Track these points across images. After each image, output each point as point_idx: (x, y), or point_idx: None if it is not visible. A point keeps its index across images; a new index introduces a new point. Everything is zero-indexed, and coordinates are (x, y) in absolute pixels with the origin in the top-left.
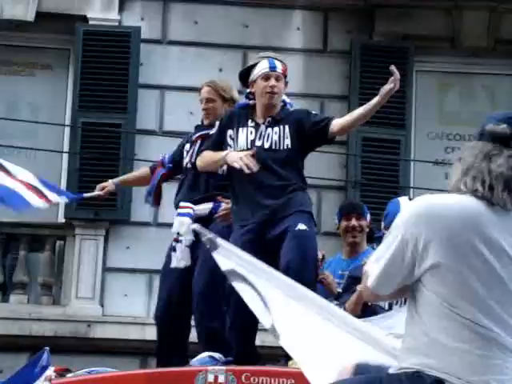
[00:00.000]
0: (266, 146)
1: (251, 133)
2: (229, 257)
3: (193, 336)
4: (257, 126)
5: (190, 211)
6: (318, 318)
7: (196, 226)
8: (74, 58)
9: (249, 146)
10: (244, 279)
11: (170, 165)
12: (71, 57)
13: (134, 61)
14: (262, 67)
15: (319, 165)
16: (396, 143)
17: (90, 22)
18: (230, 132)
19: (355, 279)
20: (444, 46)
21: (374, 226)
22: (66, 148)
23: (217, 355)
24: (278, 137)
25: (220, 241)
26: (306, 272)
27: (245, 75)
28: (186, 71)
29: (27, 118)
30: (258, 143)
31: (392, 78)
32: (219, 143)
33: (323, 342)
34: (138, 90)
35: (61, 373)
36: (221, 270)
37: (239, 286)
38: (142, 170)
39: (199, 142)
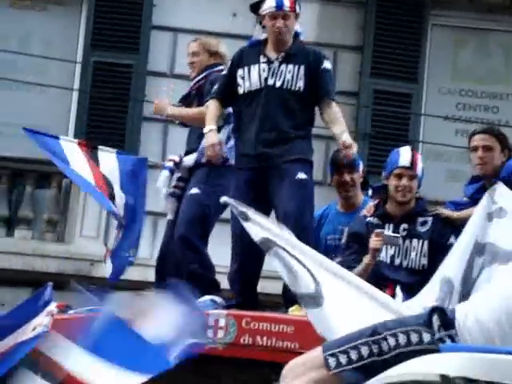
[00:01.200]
0: (278, 84)
1: (264, 70)
2: (261, 227)
3: None
4: (269, 62)
5: (170, 164)
6: (352, 292)
7: (226, 199)
8: None
9: (262, 85)
10: (279, 246)
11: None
12: None
13: (147, 2)
14: (269, 5)
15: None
16: (407, 96)
17: None
18: (240, 72)
19: (356, 236)
20: (461, 1)
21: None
22: (76, 85)
23: (218, 299)
24: (292, 76)
25: (252, 214)
26: (304, 221)
27: (257, 6)
28: (199, 14)
29: (39, 54)
30: (271, 81)
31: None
32: (228, 85)
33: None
34: (151, 31)
35: (62, 309)
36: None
37: (275, 252)
38: (202, 108)
39: (194, 92)
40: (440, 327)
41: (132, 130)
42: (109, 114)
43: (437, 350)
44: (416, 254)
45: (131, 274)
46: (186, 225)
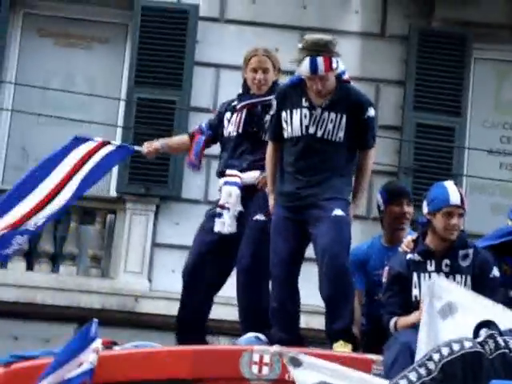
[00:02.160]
0: (319, 134)
1: (305, 116)
2: (317, 370)
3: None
4: (312, 108)
5: (238, 180)
6: None
7: (276, 349)
8: (132, 33)
9: (303, 133)
10: None
11: (210, 132)
12: (129, 32)
13: (190, 38)
14: (305, 68)
15: None
16: (451, 130)
17: None
18: (283, 114)
19: (397, 277)
20: (504, 34)
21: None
22: (120, 122)
23: (262, 336)
24: (333, 126)
25: (303, 357)
26: (340, 257)
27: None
28: (242, 50)
29: (83, 91)
30: (311, 130)
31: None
32: (275, 131)
33: None
34: (194, 67)
35: (108, 345)
36: (265, 246)
37: None
38: (181, 136)
39: (245, 111)
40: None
41: (176, 166)
42: None
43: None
44: None
45: (175, 309)
46: (257, 254)
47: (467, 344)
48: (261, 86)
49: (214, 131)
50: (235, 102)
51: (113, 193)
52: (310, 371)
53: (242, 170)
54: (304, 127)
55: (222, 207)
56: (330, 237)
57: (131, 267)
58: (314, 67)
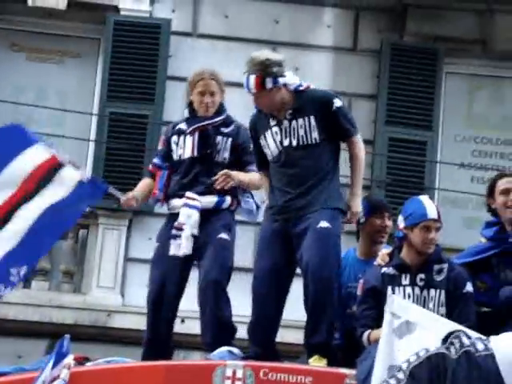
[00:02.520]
0: (294, 143)
1: (276, 133)
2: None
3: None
4: (279, 123)
5: (198, 204)
6: None
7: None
8: (104, 48)
9: (279, 148)
10: None
11: (167, 163)
12: (101, 46)
13: (163, 52)
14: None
15: (344, 163)
16: (423, 144)
17: (122, 13)
18: (262, 141)
19: (371, 290)
20: (475, 49)
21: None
22: (92, 137)
23: (236, 350)
24: (304, 131)
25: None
26: (325, 271)
27: None
28: (214, 65)
29: (55, 106)
30: (286, 142)
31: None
32: (260, 161)
33: None
34: (166, 81)
35: (80, 361)
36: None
37: None
38: (143, 182)
39: (197, 133)
40: None
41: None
42: (125, 165)
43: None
44: (434, 305)
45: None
46: (221, 270)
47: (432, 348)
48: (208, 108)
49: (170, 160)
50: (181, 125)
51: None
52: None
53: (200, 193)
54: (278, 143)
55: (179, 229)
56: (313, 250)
57: (104, 282)
58: (246, 85)
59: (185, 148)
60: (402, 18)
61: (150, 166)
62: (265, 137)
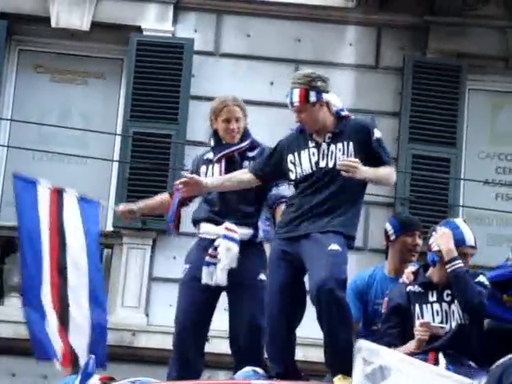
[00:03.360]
0: (331, 164)
1: (313, 154)
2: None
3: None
4: (318, 146)
5: (237, 237)
6: None
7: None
8: (127, 68)
9: (314, 169)
10: None
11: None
12: (124, 67)
13: (186, 72)
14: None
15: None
16: (446, 161)
17: (144, 33)
18: (290, 157)
19: (396, 308)
20: (498, 65)
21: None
22: (116, 157)
23: (260, 370)
24: (342, 153)
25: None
26: (336, 290)
27: None
28: (237, 84)
29: (79, 126)
30: (322, 163)
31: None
32: (268, 165)
33: None
34: (190, 101)
35: (105, 381)
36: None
37: None
38: (162, 195)
39: (223, 161)
40: None
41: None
42: (148, 184)
43: None
44: (460, 319)
45: None
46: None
47: None
48: (235, 135)
49: None
50: (208, 155)
51: (109, 227)
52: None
53: (235, 224)
54: (314, 164)
55: (213, 256)
56: (323, 272)
57: (128, 302)
58: (290, 99)
59: (214, 176)
60: (425, 35)
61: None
62: (299, 154)
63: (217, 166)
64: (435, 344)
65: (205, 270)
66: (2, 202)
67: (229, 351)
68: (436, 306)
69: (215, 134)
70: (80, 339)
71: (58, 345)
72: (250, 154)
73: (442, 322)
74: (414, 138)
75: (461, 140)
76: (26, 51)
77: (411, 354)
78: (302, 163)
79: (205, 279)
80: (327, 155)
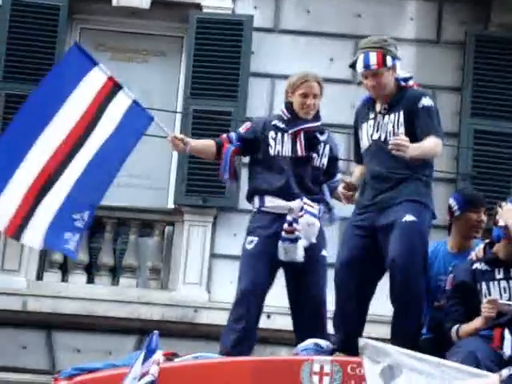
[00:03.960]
0: (382, 138)
1: (370, 126)
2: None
3: None
4: (375, 117)
5: (316, 212)
6: None
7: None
8: (187, 46)
9: (370, 142)
10: None
11: (240, 143)
12: (184, 44)
13: (245, 49)
14: (358, 66)
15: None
16: (509, 136)
17: (204, 10)
18: (358, 132)
19: (461, 286)
20: None
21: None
22: (177, 133)
23: (323, 342)
24: (392, 126)
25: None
26: (412, 266)
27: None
28: (297, 60)
29: (140, 104)
30: (376, 136)
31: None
32: (359, 154)
33: None
34: (249, 78)
35: (169, 357)
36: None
37: None
38: (207, 140)
39: (302, 134)
40: None
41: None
42: (208, 162)
43: None
44: None
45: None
46: (323, 289)
47: None
48: (310, 110)
49: (245, 145)
50: (277, 123)
51: (170, 205)
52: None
53: (310, 199)
54: (369, 136)
55: (290, 232)
56: (399, 245)
57: (190, 279)
58: (366, 62)
59: (284, 146)
60: (486, 9)
61: (224, 135)
62: (361, 129)
63: (291, 137)
64: (501, 320)
65: (282, 246)
66: None
67: (289, 327)
68: (503, 284)
69: (290, 106)
70: (46, 215)
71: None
72: (321, 137)
73: (509, 299)
74: (476, 113)
75: None
76: (87, 30)
77: (477, 331)
78: (363, 138)
79: (282, 256)
80: (380, 127)
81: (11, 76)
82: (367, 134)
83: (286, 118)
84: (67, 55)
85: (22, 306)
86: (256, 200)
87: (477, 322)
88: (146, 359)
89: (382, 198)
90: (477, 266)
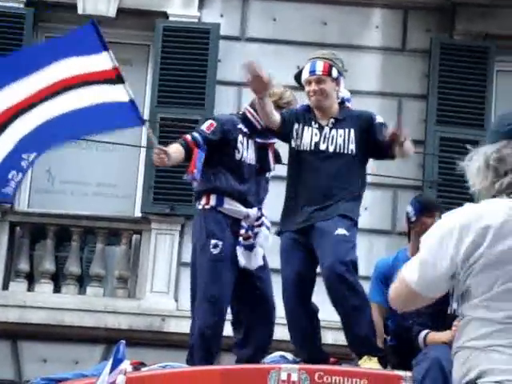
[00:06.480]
0: (331, 149)
1: (316, 134)
2: None
3: None
4: (320, 128)
5: (269, 224)
6: None
7: None
8: (154, 54)
9: (312, 148)
10: None
11: (206, 147)
12: (151, 52)
13: (212, 57)
14: (304, 72)
15: (395, 163)
16: (474, 144)
17: (170, 19)
18: (296, 126)
19: None
20: None
21: None
22: (144, 143)
23: (289, 355)
24: (343, 140)
25: None
26: (346, 273)
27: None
28: (263, 68)
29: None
30: (323, 146)
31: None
32: (287, 122)
33: None
34: (216, 86)
35: (136, 366)
36: None
37: None
38: (176, 147)
39: (270, 147)
40: None
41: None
42: (176, 170)
43: None
44: None
45: None
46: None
47: None
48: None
49: (211, 147)
50: (242, 127)
51: (138, 213)
52: None
53: (258, 209)
54: (314, 144)
55: (247, 238)
56: (332, 256)
57: (157, 287)
58: (312, 68)
59: (249, 153)
60: (451, 17)
61: (189, 138)
62: (302, 128)
63: (258, 148)
64: None
65: (241, 253)
66: (31, 188)
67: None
68: None
69: (246, 118)
70: None
71: None
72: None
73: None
74: (442, 121)
75: (489, 122)
76: (52, 38)
77: (444, 343)
78: (303, 138)
79: (242, 262)
80: (328, 139)
81: None
82: (311, 140)
83: (253, 122)
84: (79, 29)
85: None
86: (212, 198)
87: (445, 335)
88: (113, 368)
89: (318, 214)
90: None
